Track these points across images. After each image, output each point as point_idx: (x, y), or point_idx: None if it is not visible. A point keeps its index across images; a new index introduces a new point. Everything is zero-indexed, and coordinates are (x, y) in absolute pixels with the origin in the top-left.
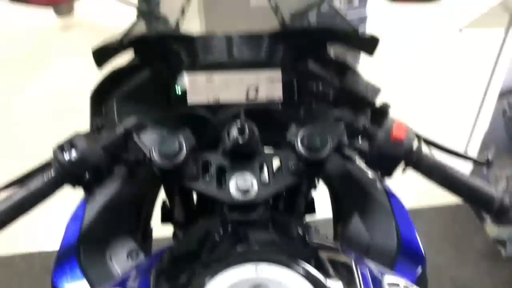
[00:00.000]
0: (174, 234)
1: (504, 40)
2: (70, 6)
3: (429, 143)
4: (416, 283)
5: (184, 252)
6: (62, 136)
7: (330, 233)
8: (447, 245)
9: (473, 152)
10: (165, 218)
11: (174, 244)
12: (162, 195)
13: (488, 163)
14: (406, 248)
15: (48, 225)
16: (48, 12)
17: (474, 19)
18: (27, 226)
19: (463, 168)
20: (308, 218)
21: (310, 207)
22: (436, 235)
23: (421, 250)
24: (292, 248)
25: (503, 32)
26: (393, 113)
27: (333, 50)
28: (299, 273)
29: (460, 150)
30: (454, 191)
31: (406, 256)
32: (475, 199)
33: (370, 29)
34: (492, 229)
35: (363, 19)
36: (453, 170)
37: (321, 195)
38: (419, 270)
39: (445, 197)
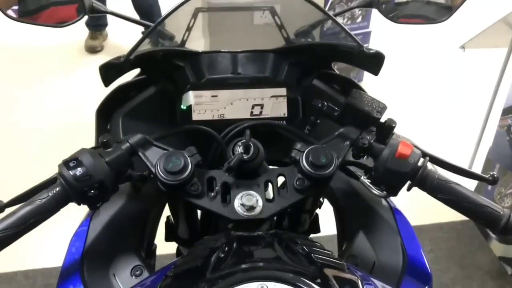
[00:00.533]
0: (178, 252)
1: (508, 56)
2: (102, 44)
3: (434, 160)
4: None
5: (189, 269)
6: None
7: (334, 250)
8: (452, 263)
9: (477, 169)
10: (169, 235)
11: (179, 261)
12: (166, 212)
13: (494, 180)
14: (412, 266)
15: (51, 242)
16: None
17: (475, 36)
18: (29, 243)
19: (467, 185)
20: (313, 236)
21: (315, 226)
22: (441, 253)
23: (428, 268)
24: (298, 265)
25: (507, 49)
26: (399, 130)
27: (338, 67)
28: None
29: (465, 167)
30: (459, 209)
31: (412, 274)
32: (480, 217)
33: (373, 45)
34: (497, 247)
35: (366, 35)
36: (458, 188)
37: (325, 212)
38: None
39: (450, 215)
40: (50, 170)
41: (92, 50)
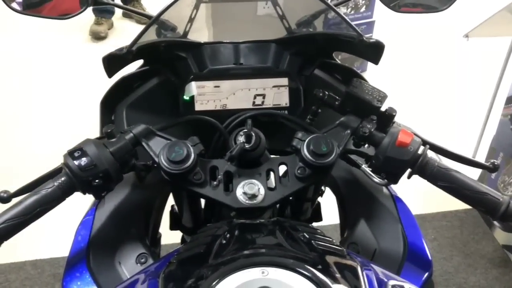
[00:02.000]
0: (183, 240)
1: None
2: (106, 31)
3: (435, 148)
4: None
5: (192, 256)
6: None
7: (336, 239)
8: (456, 251)
9: (481, 158)
10: (173, 225)
11: (182, 248)
12: (170, 202)
13: (495, 168)
14: (413, 253)
15: (58, 232)
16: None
17: (479, 24)
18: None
19: (470, 174)
20: (315, 224)
21: (317, 214)
22: (444, 241)
23: (428, 255)
24: (299, 252)
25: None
26: (401, 119)
27: (341, 57)
28: (305, 276)
29: (468, 156)
30: (459, 196)
31: (413, 261)
32: (480, 204)
33: (377, 34)
34: (501, 235)
35: (370, 24)
36: (458, 175)
37: (327, 201)
38: (426, 275)
39: (453, 203)
40: (55, 160)
41: (96, 35)
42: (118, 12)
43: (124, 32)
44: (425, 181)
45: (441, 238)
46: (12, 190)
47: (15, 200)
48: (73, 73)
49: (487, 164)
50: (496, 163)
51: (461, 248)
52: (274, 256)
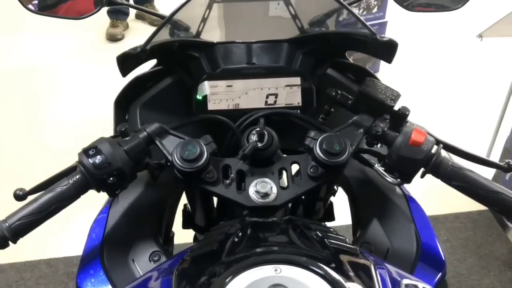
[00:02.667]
0: (195, 239)
1: None
2: (122, 33)
3: (449, 148)
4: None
5: (205, 253)
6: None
7: (349, 240)
8: (469, 253)
9: (495, 159)
10: (186, 223)
11: (195, 246)
12: (184, 201)
13: (510, 168)
14: (426, 253)
15: (72, 232)
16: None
17: (493, 24)
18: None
19: (484, 175)
20: (327, 224)
21: (329, 214)
22: (458, 243)
23: (441, 255)
24: (312, 250)
25: None
26: (414, 119)
27: (354, 58)
28: (318, 274)
29: (482, 155)
30: (473, 196)
31: (426, 261)
32: (494, 204)
33: (390, 35)
34: None
35: (382, 25)
36: (472, 175)
37: (339, 201)
38: (439, 275)
39: (465, 204)
40: (71, 158)
41: (113, 37)
42: (132, 14)
43: (140, 32)
44: (437, 181)
45: (454, 240)
46: (28, 188)
47: (30, 198)
48: (92, 74)
49: (502, 164)
50: (511, 163)
51: (475, 250)
52: (287, 253)
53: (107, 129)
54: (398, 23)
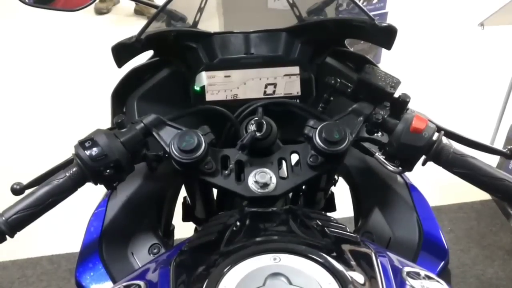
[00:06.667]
0: (195, 232)
1: None
2: (109, 8)
3: (450, 134)
4: (438, 276)
5: (204, 243)
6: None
7: (351, 229)
8: (473, 243)
9: (499, 146)
10: (186, 216)
11: (194, 236)
12: (183, 194)
13: None
14: (428, 242)
15: (74, 228)
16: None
17: (494, 12)
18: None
19: (488, 162)
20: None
21: (330, 204)
22: (461, 233)
23: (444, 243)
24: (311, 238)
25: None
26: (415, 107)
27: (354, 49)
28: (318, 262)
29: (484, 142)
30: (476, 183)
31: (428, 250)
32: (497, 190)
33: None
34: None
35: (383, 16)
36: (474, 161)
37: (341, 192)
38: (442, 263)
39: (469, 195)
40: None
41: (98, 12)
42: (130, 8)
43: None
44: (440, 172)
45: (458, 230)
46: (25, 182)
47: (27, 192)
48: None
49: (504, 150)
50: None
51: (479, 240)
52: (286, 242)
53: (105, 121)
54: (398, 14)
